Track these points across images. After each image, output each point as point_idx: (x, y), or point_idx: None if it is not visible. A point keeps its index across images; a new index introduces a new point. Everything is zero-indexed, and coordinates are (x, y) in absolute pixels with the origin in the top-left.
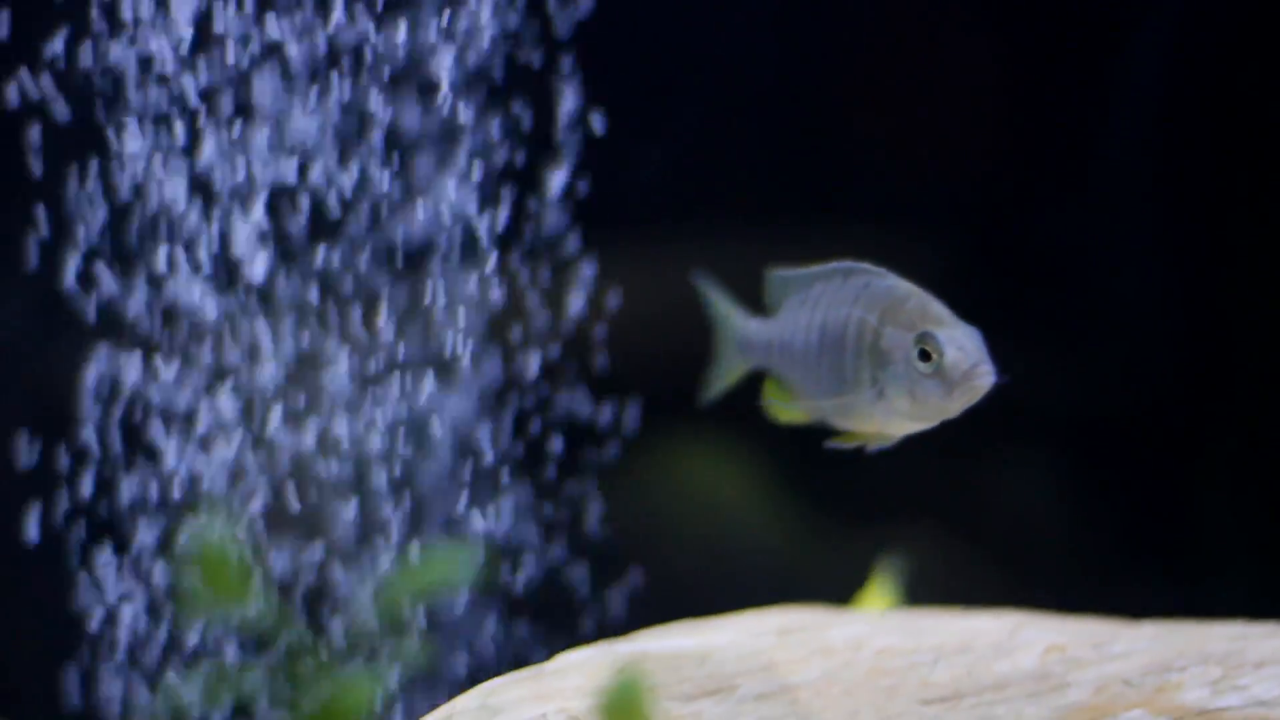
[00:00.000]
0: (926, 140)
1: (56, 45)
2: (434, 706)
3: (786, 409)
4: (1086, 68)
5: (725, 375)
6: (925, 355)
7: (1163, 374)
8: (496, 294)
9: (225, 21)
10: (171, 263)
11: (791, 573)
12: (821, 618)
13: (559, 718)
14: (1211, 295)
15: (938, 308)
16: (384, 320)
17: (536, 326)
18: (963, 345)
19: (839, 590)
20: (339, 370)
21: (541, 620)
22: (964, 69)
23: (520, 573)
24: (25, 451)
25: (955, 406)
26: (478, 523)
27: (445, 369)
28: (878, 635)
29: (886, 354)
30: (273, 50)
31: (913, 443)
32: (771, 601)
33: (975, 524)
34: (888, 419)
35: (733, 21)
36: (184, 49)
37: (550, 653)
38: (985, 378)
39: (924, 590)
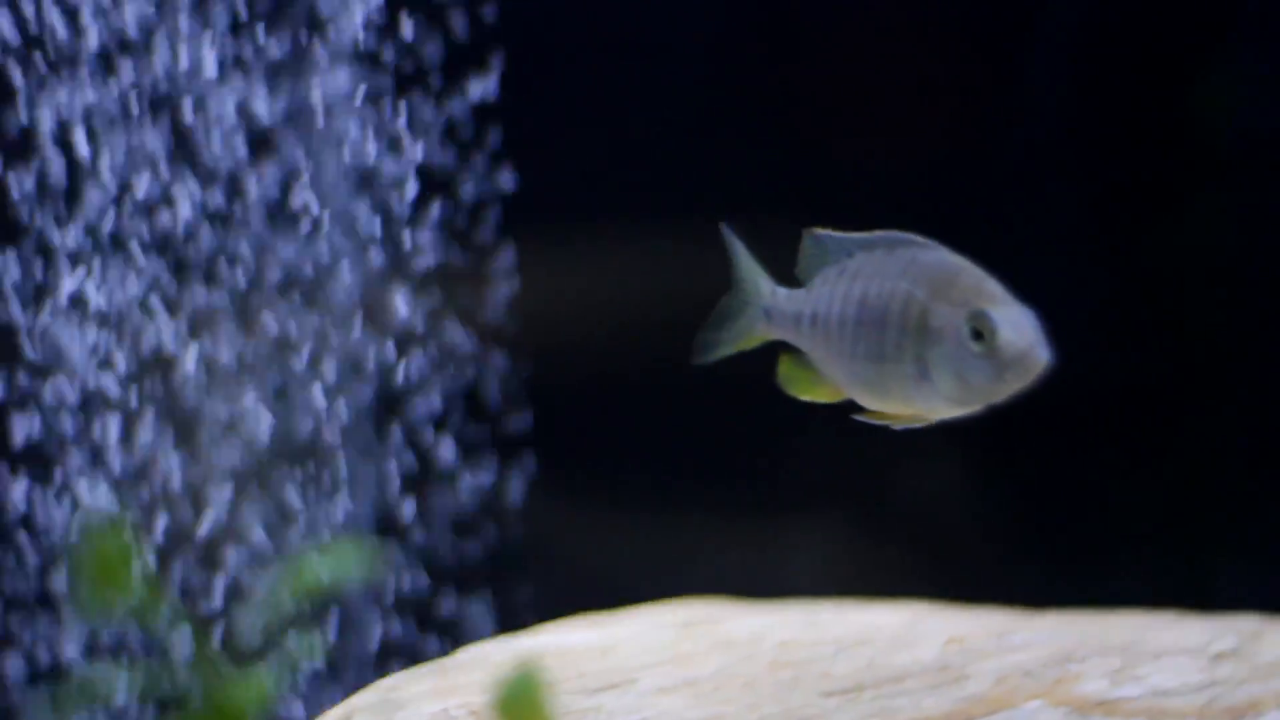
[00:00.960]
0: (850, 134)
1: None
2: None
3: (813, 387)
4: (998, 53)
5: (738, 342)
6: (978, 334)
7: (1068, 364)
8: (402, 286)
9: None
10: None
11: (693, 564)
12: (723, 610)
13: (460, 713)
14: (1126, 287)
15: (992, 285)
16: (289, 313)
17: (445, 315)
18: (1018, 325)
19: (741, 581)
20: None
21: (446, 614)
22: (891, 62)
23: (423, 567)
24: None
25: (1005, 390)
26: (378, 517)
27: (348, 359)
28: (779, 628)
29: (934, 332)
30: None
31: (814, 431)
32: (674, 594)
33: (877, 514)
34: (929, 401)
35: (668, 14)
36: None
37: (453, 647)
38: (1041, 360)
39: (826, 580)
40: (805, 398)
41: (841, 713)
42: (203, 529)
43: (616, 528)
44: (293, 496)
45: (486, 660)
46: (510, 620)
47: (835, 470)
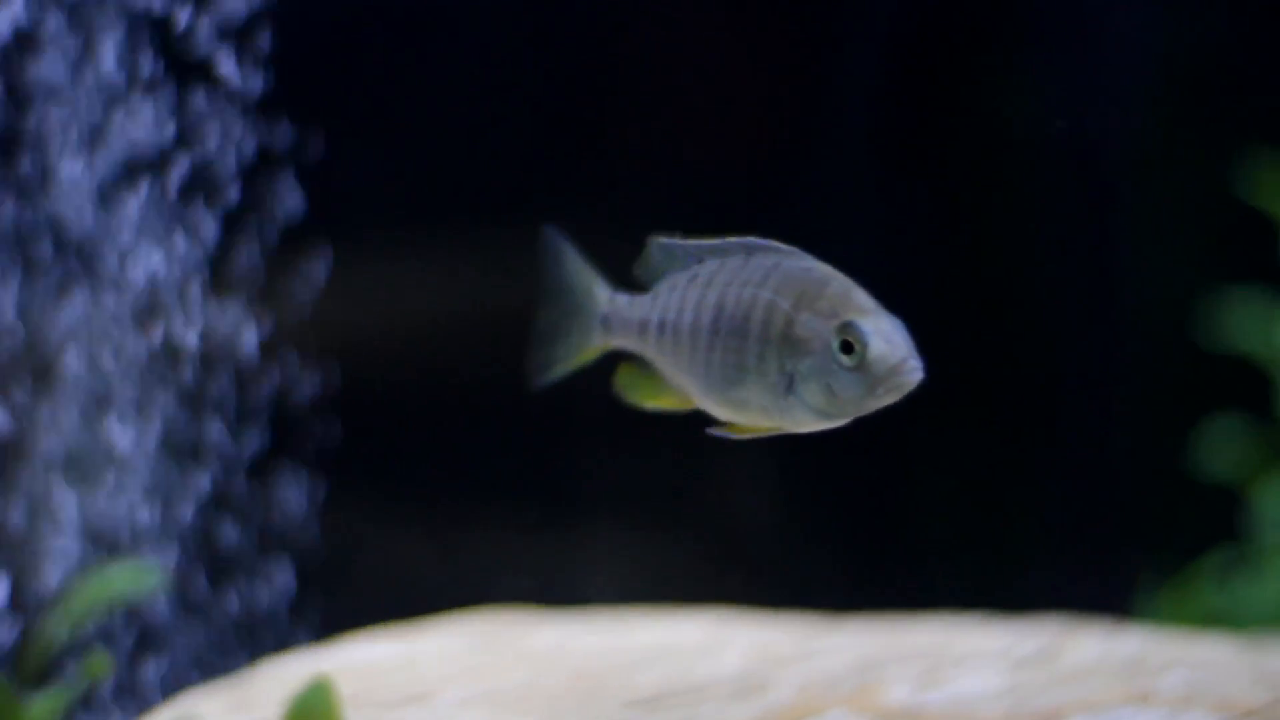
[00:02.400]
0: (663, 136)
1: None
2: None
3: (658, 395)
4: (806, 58)
5: (578, 355)
6: (847, 347)
7: None
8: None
9: None
10: None
11: (495, 572)
12: (525, 621)
13: None
14: (932, 289)
15: (860, 295)
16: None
17: (246, 324)
18: (889, 337)
19: (543, 590)
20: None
21: (245, 627)
22: (689, 67)
23: (224, 580)
24: None
25: (875, 404)
26: (174, 532)
27: (142, 372)
28: (581, 638)
29: (801, 343)
30: None
31: (615, 440)
32: (475, 603)
33: (679, 521)
34: (793, 415)
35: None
36: None
37: (253, 660)
38: (913, 374)
39: (628, 589)
40: (650, 405)
41: None
42: None
43: (417, 537)
44: (83, 511)
45: (284, 675)
46: (311, 633)
47: (638, 479)
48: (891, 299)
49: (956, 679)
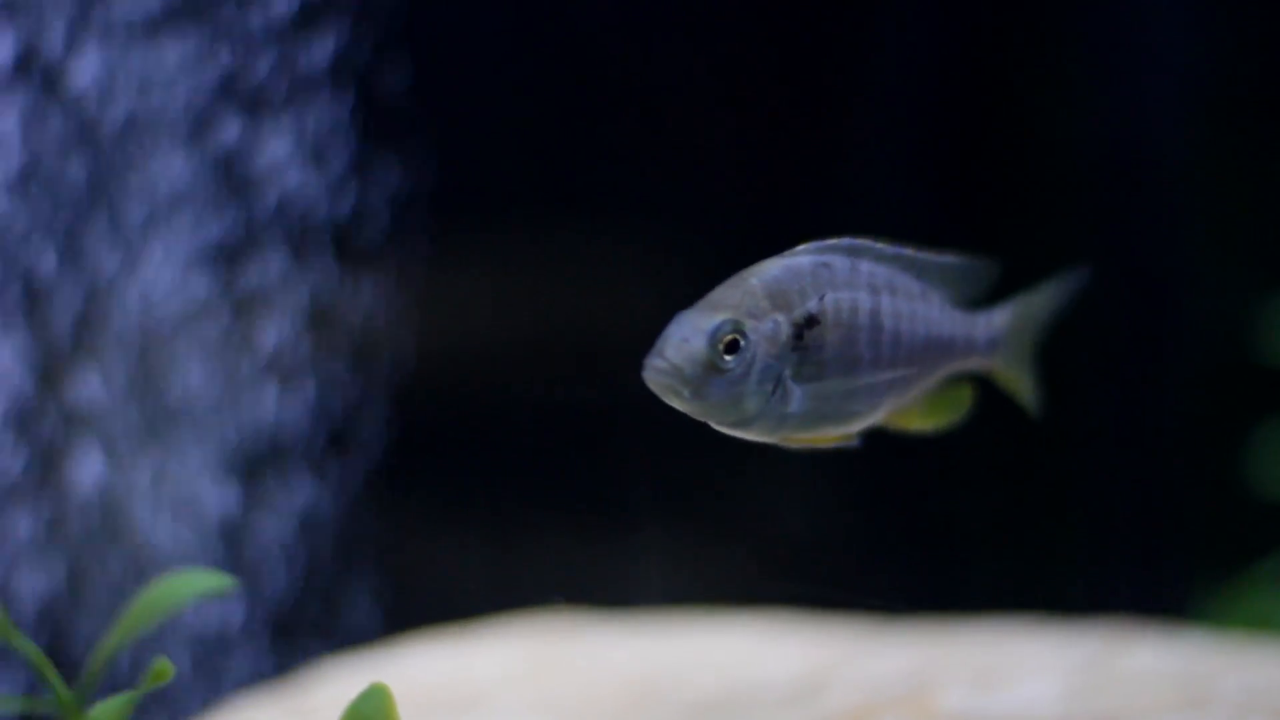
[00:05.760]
0: (677, 142)
1: None
2: None
3: None
4: (850, 58)
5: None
6: None
7: None
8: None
9: None
10: None
11: (550, 578)
12: (579, 624)
13: None
14: None
15: (721, 292)
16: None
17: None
18: (666, 331)
19: (603, 594)
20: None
21: (301, 629)
22: (716, 71)
23: (279, 580)
24: None
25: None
26: (233, 532)
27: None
28: (633, 643)
29: None
30: None
31: (671, 444)
32: (531, 606)
33: (731, 525)
34: None
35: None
36: None
37: (309, 663)
38: (647, 369)
39: (681, 593)
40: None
41: None
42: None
43: (469, 541)
44: (144, 516)
45: (341, 678)
46: (364, 635)
47: (688, 483)
48: None
49: (1012, 684)
